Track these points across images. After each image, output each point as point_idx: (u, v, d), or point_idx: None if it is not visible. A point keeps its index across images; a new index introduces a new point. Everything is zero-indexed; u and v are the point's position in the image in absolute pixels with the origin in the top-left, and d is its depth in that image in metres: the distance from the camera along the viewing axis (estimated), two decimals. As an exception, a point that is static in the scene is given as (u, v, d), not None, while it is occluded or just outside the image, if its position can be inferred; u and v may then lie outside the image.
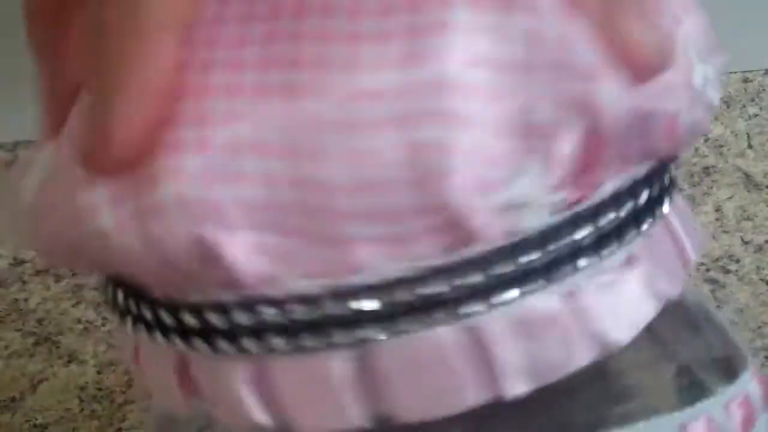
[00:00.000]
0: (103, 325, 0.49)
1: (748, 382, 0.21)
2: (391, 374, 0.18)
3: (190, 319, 0.19)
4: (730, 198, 0.50)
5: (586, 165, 0.18)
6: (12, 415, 0.46)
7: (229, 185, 0.18)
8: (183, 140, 0.18)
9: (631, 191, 0.19)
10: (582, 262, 0.18)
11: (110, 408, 0.45)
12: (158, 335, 0.20)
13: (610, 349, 0.19)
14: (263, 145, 0.17)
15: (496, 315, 0.18)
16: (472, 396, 0.18)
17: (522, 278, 0.18)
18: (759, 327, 0.43)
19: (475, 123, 0.17)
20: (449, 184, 0.17)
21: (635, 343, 0.20)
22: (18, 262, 0.54)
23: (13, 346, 0.49)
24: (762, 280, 0.45)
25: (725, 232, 0.48)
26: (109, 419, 0.45)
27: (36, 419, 0.45)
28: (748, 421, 0.20)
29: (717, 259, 0.46)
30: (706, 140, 0.53)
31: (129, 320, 0.21)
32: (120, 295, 0.21)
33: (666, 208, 0.20)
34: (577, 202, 0.18)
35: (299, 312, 0.18)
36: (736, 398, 0.20)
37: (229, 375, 0.19)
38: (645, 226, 0.19)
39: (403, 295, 0.18)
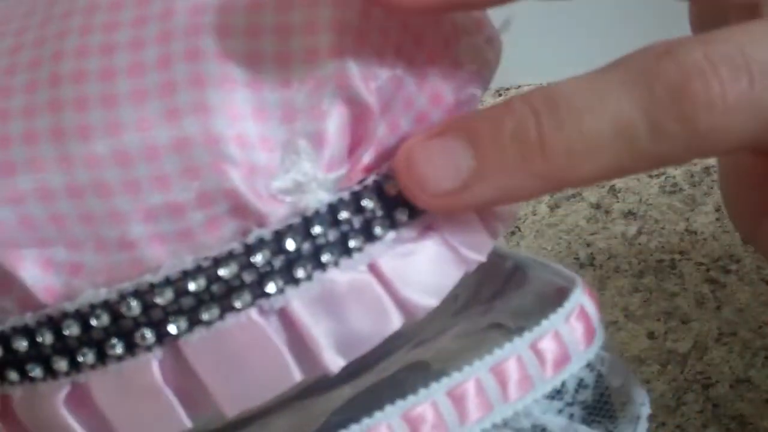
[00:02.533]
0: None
1: (581, 297, 0.22)
2: (207, 367, 0.18)
3: None
4: (730, 198, 0.50)
5: (354, 143, 0.19)
6: (12, 416, 0.46)
7: (8, 204, 0.18)
8: None
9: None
10: (376, 232, 0.19)
11: None
12: None
13: (418, 314, 0.20)
14: (38, 161, 0.18)
15: (300, 292, 0.19)
16: (293, 376, 0.19)
17: (317, 253, 0.19)
18: (759, 327, 0.43)
19: (239, 111, 0.18)
20: (226, 173, 0.18)
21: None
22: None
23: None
24: (762, 280, 0.45)
25: (725, 232, 0.48)
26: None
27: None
28: (590, 330, 0.22)
29: (717, 259, 0.46)
30: (707, 140, 0.53)
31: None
32: None
33: None
34: (361, 177, 0.19)
35: (103, 320, 0.18)
36: (574, 312, 0.21)
37: (47, 402, 0.19)
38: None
39: (200, 285, 0.18)
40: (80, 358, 0.19)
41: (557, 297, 0.22)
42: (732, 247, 0.47)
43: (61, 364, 0.19)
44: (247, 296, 0.19)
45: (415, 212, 0.20)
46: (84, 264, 0.18)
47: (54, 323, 0.19)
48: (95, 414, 0.19)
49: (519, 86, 0.58)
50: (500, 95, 0.58)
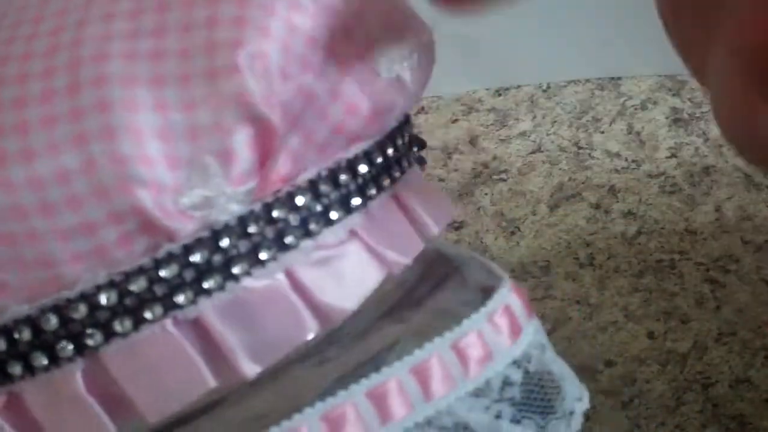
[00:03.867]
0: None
1: (506, 296, 0.22)
2: (126, 377, 0.19)
3: None
4: (730, 198, 0.49)
5: (264, 155, 0.20)
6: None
7: None
8: None
9: (332, 176, 0.21)
10: (289, 240, 0.20)
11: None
12: None
13: (336, 318, 0.20)
14: None
15: (213, 302, 0.20)
16: (207, 383, 0.20)
17: (228, 264, 0.20)
18: (759, 327, 0.43)
19: (144, 133, 0.19)
20: (133, 193, 0.19)
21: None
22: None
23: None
24: (762, 279, 0.45)
25: (725, 232, 0.48)
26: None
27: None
28: (515, 329, 0.22)
29: (717, 259, 0.46)
30: (706, 140, 0.53)
31: None
32: None
33: (384, 184, 0.22)
34: (277, 188, 0.20)
35: (25, 335, 0.19)
36: (497, 311, 0.22)
37: None
38: (356, 203, 0.21)
39: (112, 299, 0.19)
40: (10, 370, 0.20)
41: (484, 296, 0.23)
42: (732, 247, 0.47)
43: (17, 369, 0.20)
44: (158, 308, 0.19)
45: (330, 220, 0.21)
46: (8, 282, 0.19)
47: None
48: (31, 422, 0.20)
49: (519, 86, 0.58)
50: (500, 95, 0.58)
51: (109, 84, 0.19)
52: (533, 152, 0.54)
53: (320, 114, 0.21)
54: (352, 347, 0.23)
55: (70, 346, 0.19)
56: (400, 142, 0.23)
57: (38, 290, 0.19)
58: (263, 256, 0.20)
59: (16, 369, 0.20)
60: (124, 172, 0.19)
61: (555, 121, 0.56)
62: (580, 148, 0.54)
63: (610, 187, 0.51)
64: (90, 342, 0.19)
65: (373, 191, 0.22)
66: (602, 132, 0.55)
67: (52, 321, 0.19)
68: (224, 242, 0.20)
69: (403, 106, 0.23)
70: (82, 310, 0.19)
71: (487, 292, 0.23)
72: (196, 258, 0.20)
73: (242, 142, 0.19)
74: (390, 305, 0.23)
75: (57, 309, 0.19)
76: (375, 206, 0.22)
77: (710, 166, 0.51)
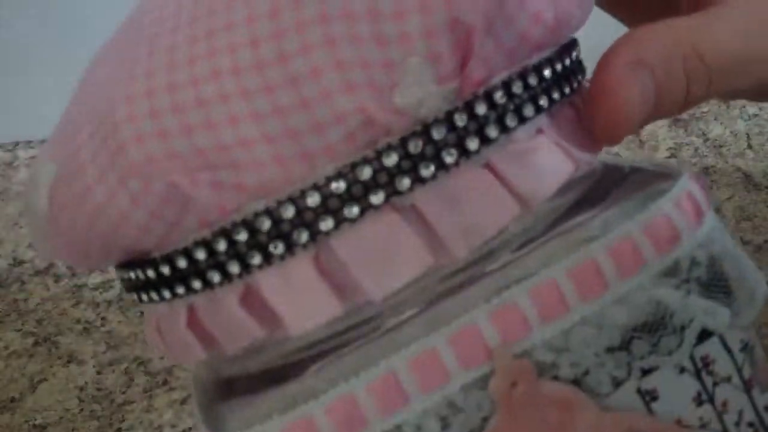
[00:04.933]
0: (103, 325, 0.49)
1: (687, 183, 0.24)
2: (354, 260, 0.22)
3: (182, 262, 0.23)
4: (729, 198, 0.49)
5: (465, 58, 0.22)
6: (12, 415, 0.46)
7: (182, 139, 0.22)
8: (137, 110, 0.22)
9: (522, 78, 0.23)
10: (490, 134, 0.22)
11: (110, 408, 0.45)
12: (166, 292, 0.24)
13: (533, 203, 0.23)
14: (203, 102, 0.22)
15: (426, 190, 0.22)
16: (427, 260, 0.22)
17: (438, 154, 0.22)
18: (759, 327, 0.43)
19: (363, 40, 0.21)
20: (355, 94, 0.21)
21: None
22: (17, 263, 0.54)
23: (12, 346, 0.49)
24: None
25: (725, 232, 0.48)
26: (108, 419, 0.45)
27: (35, 419, 0.45)
28: (699, 213, 0.24)
29: (717, 259, 0.46)
30: (706, 140, 0.53)
31: (144, 295, 0.24)
32: (132, 273, 0.24)
33: (565, 90, 0.24)
34: (474, 89, 0.22)
35: (264, 226, 0.22)
36: (681, 196, 0.24)
37: (226, 302, 0.23)
38: (544, 104, 0.23)
39: (341, 187, 0.22)
40: (250, 261, 0.22)
41: (665, 186, 0.24)
42: (731, 247, 0.47)
43: (235, 268, 0.22)
44: (381, 194, 0.22)
45: (524, 118, 0.23)
46: (245, 182, 0.22)
47: (226, 233, 0.22)
48: (266, 309, 0.22)
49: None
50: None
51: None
52: (533, 152, 0.54)
53: (509, 22, 0.22)
54: (543, 242, 0.24)
55: (305, 234, 0.22)
56: (574, 54, 0.25)
57: (273, 187, 0.22)
58: (468, 147, 0.22)
59: (256, 258, 0.22)
60: (346, 78, 0.21)
61: (555, 121, 0.56)
62: (579, 148, 0.54)
63: (610, 187, 0.51)
64: (323, 227, 0.22)
65: (556, 95, 0.24)
66: (602, 132, 0.55)
67: (289, 210, 0.22)
68: (435, 134, 0.22)
69: (580, 19, 0.24)
70: (314, 198, 0.22)
71: (667, 182, 0.25)
72: (411, 148, 0.22)
73: (447, 45, 0.21)
74: (572, 204, 0.25)
75: (292, 200, 0.22)
76: (558, 109, 0.24)
77: (710, 166, 0.51)
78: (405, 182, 0.22)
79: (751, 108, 0.55)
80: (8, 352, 0.49)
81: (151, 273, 0.24)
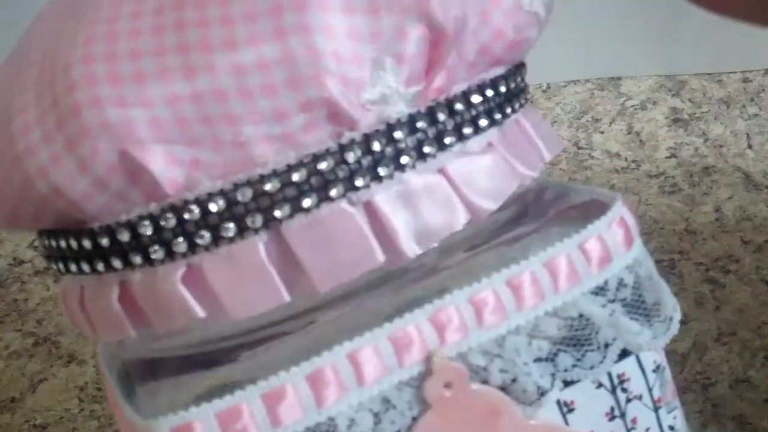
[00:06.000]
0: (103, 325, 0.49)
1: (621, 209, 0.26)
2: (305, 249, 0.22)
3: (125, 236, 0.22)
4: (729, 198, 0.50)
5: (431, 63, 0.23)
6: (12, 415, 0.46)
7: (140, 108, 0.21)
8: (96, 74, 0.21)
9: (480, 90, 0.24)
10: (447, 141, 0.23)
11: (110, 408, 0.45)
12: (100, 264, 0.23)
13: (481, 214, 0.23)
14: (166, 71, 0.21)
15: (383, 188, 0.22)
16: (377, 257, 0.22)
17: (398, 155, 0.22)
18: (759, 327, 0.43)
19: (336, 32, 0.21)
20: (325, 83, 0.21)
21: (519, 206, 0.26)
22: (17, 263, 0.54)
23: (12, 346, 0.49)
24: (762, 280, 0.45)
25: (725, 232, 0.48)
26: (108, 419, 0.45)
27: (35, 419, 0.45)
28: (629, 237, 0.25)
29: (717, 259, 0.46)
30: (706, 140, 0.53)
31: (72, 264, 0.24)
32: (62, 242, 0.24)
33: (515, 107, 0.25)
34: (434, 96, 0.23)
35: (218, 206, 0.22)
36: (614, 220, 0.25)
37: (167, 281, 0.22)
38: (498, 118, 0.24)
39: (302, 176, 0.22)
40: (198, 240, 0.22)
41: (599, 210, 0.25)
42: (731, 247, 0.47)
43: (181, 246, 0.22)
44: (340, 188, 0.22)
45: (479, 128, 0.24)
46: (202, 159, 0.22)
47: (175, 210, 0.22)
48: (207, 291, 0.22)
49: (518, 86, 0.58)
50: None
51: None
52: (533, 152, 0.54)
53: (472, 34, 0.23)
54: (483, 251, 0.25)
55: (259, 219, 0.22)
56: (523, 75, 0.27)
57: (230, 168, 0.22)
58: (426, 150, 0.23)
59: (204, 239, 0.22)
60: (318, 64, 0.21)
61: (555, 122, 0.56)
62: (579, 148, 0.54)
63: (610, 187, 0.51)
64: (278, 214, 0.22)
65: (508, 110, 0.25)
66: (602, 132, 0.55)
67: (247, 193, 0.22)
68: (397, 134, 0.22)
69: (533, 40, 0.25)
70: (274, 184, 0.22)
71: (601, 207, 0.26)
72: (374, 146, 0.22)
73: (416, 47, 0.22)
74: (511, 219, 0.26)
75: (250, 183, 0.22)
76: (507, 125, 0.25)
77: (710, 166, 0.51)
78: (364, 179, 0.22)
79: (751, 108, 0.55)
80: (8, 352, 0.49)
81: (86, 243, 0.23)
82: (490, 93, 0.24)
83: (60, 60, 0.22)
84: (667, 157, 0.53)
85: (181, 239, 0.22)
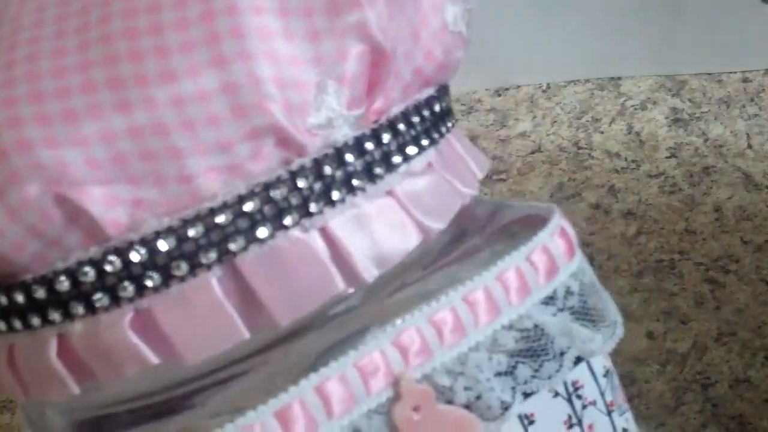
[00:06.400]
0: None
1: (561, 220, 0.26)
2: (261, 281, 0.21)
3: (64, 285, 0.21)
4: (729, 198, 0.50)
5: (371, 84, 0.22)
6: (12, 415, 0.46)
7: (74, 147, 0.20)
8: (20, 116, 0.20)
9: (417, 110, 0.24)
10: (395, 161, 0.23)
11: None
12: (35, 319, 0.21)
13: (431, 234, 0.23)
14: (98, 108, 0.20)
15: (336, 213, 0.22)
16: (337, 285, 0.22)
17: (349, 179, 0.22)
18: (759, 327, 0.43)
19: (278, 58, 0.21)
20: (269, 110, 0.21)
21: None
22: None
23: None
24: (761, 280, 0.45)
25: (725, 232, 0.48)
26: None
27: (35, 419, 0.45)
28: (571, 247, 0.26)
29: (717, 259, 0.46)
30: (706, 140, 0.53)
31: (2, 322, 0.22)
32: None
33: (448, 127, 0.26)
34: (375, 118, 0.23)
35: (168, 244, 0.21)
36: (556, 230, 0.25)
37: (113, 329, 0.21)
38: (435, 137, 0.24)
39: (255, 206, 0.21)
40: (146, 282, 0.21)
41: (538, 223, 0.26)
42: (731, 247, 0.47)
43: (128, 290, 0.21)
44: (294, 215, 0.21)
45: (421, 147, 0.24)
46: (145, 198, 0.21)
47: (120, 252, 0.21)
48: (158, 336, 0.21)
49: (518, 86, 0.58)
50: (500, 95, 0.58)
51: (242, 13, 0.21)
52: (533, 152, 0.54)
53: (406, 56, 0.23)
54: (433, 272, 0.25)
55: (213, 253, 0.21)
56: (449, 97, 0.27)
57: (177, 204, 0.21)
58: (376, 172, 0.23)
59: (154, 280, 0.21)
60: (261, 92, 0.21)
61: (555, 122, 0.56)
62: (579, 148, 0.54)
63: (610, 187, 0.51)
64: (233, 247, 0.21)
65: (443, 129, 0.25)
66: (602, 132, 0.55)
67: (198, 229, 0.21)
68: (348, 157, 0.22)
69: (459, 61, 0.25)
70: (227, 217, 0.21)
71: (540, 220, 0.26)
72: (325, 170, 0.22)
73: (358, 68, 0.22)
74: (452, 239, 0.26)
75: (200, 218, 0.21)
76: (442, 145, 0.25)
77: (710, 166, 0.51)
78: (318, 205, 0.22)
79: (751, 108, 0.55)
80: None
81: (19, 297, 0.21)
82: (426, 113, 0.24)
83: None
84: (667, 157, 0.53)
85: (127, 283, 0.21)
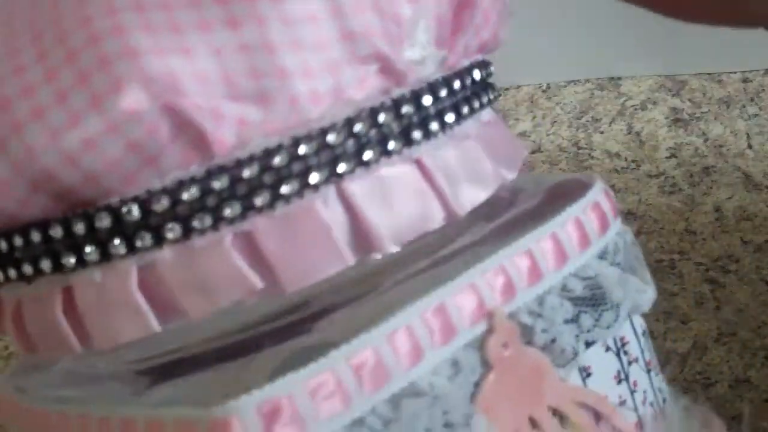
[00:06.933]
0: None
1: (597, 194, 0.26)
2: (368, 206, 0.21)
3: (162, 205, 0.20)
4: (729, 198, 0.50)
5: (454, 29, 0.23)
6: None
7: (183, 58, 0.19)
8: (126, 25, 0.19)
9: (480, 67, 0.25)
10: (463, 111, 0.23)
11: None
12: (120, 248, 0.20)
13: (505, 181, 0.24)
14: (206, 22, 0.20)
15: (432, 146, 0.22)
16: (433, 217, 0.22)
17: (441, 114, 0.23)
18: (759, 327, 0.43)
19: None
20: (375, 36, 0.21)
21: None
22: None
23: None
24: (761, 280, 0.45)
25: (725, 232, 0.48)
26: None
27: (35, 419, 0.45)
28: (614, 208, 0.27)
29: (716, 259, 0.46)
30: (706, 140, 0.53)
31: (13, 272, 0.21)
32: (20, 241, 0.21)
33: (490, 99, 0.26)
34: (453, 64, 0.24)
35: (279, 162, 0.20)
36: (603, 190, 0.26)
37: (214, 253, 0.20)
38: (492, 97, 0.25)
39: (361, 128, 0.21)
40: (255, 201, 0.20)
41: (583, 186, 0.26)
42: (731, 247, 0.47)
43: (233, 210, 0.20)
44: (398, 143, 0.22)
45: (483, 104, 0.24)
46: (251, 117, 0.20)
47: (227, 170, 0.20)
48: (258, 260, 0.20)
49: (519, 86, 0.58)
50: (500, 95, 0.58)
51: None
52: (533, 152, 0.54)
53: (474, 10, 0.24)
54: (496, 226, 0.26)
55: (322, 173, 0.21)
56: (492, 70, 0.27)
57: (282, 124, 0.20)
58: (463, 112, 0.23)
59: (262, 198, 0.20)
60: (367, 19, 0.21)
61: (555, 122, 0.56)
62: (579, 148, 0.54)
63: (610, 187, 0.51)
64: (341, 168, 0.21)
65: (485, 99, 0.25)
66: (602, 132, 0.55)
67: (310, 147, 0.20)
68: (441, 92, 0.23)
69: (503, 37, 0.26)
70: (336, 138, 0.21)
71: (581, 186, 0.27)
72: (424, 101, 0.22)
73: (446, 11, 0.22)
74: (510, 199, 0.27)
75: (311, 137, 0.20)
76: (484, 117, 0.25)
77: (710, 166, 0.51)
78: (418, 132, 0.22)
79: (751, 108, 0.55)
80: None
81: (104, 222, 0.20)
82: (477, 76, 0.25)
83: (68, 19, 0.20)
84: (667, 157, 0.53)
85: (233, 202, 0.20)
